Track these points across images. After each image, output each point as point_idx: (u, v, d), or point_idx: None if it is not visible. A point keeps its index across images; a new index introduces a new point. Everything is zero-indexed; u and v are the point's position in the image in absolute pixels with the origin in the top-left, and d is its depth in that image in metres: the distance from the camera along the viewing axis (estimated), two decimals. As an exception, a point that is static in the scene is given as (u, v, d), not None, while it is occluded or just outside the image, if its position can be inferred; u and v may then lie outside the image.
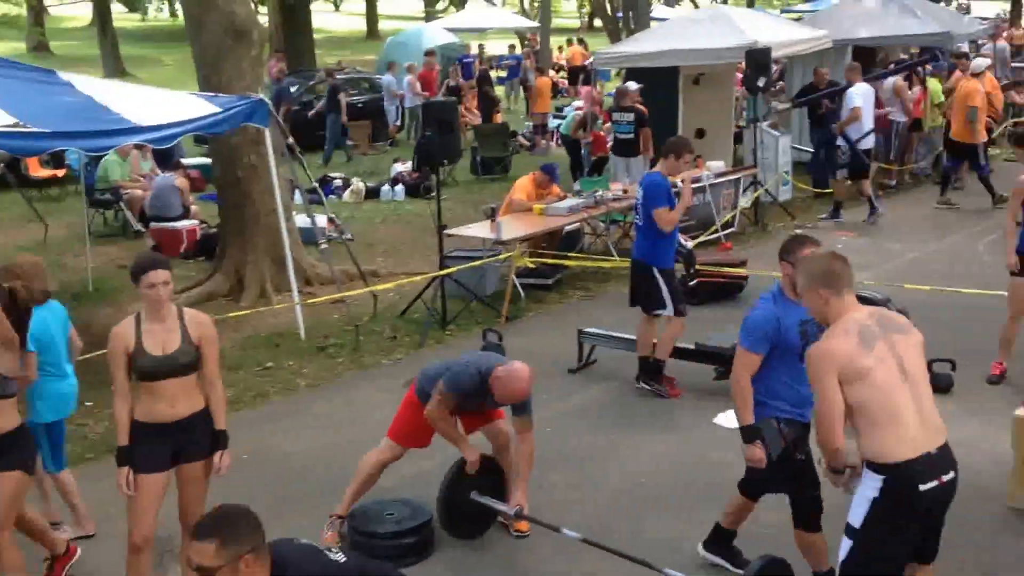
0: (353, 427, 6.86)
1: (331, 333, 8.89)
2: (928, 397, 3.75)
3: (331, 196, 14.43)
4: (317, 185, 10.62)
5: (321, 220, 10.40)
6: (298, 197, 10.66)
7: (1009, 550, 5.12)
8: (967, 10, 36.36)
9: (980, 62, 13.57)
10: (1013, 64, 20.25)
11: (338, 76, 19.63)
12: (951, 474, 3.72)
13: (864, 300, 6.61)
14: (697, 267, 8.84)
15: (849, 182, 12.47)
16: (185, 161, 14.68)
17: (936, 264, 10.28)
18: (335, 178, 15.52)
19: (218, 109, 8.37)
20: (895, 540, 3.71)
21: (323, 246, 9.41)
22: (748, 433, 4.48)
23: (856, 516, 3.72)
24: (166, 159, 13.58)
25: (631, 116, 12.40)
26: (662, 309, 7.22)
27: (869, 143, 12.48)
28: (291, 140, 9.41)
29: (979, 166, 12.71)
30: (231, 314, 8.76)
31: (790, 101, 14.36)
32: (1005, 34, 23.38)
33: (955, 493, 3.78)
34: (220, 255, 10.36)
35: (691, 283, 8.88)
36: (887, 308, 6.55)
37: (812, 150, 13.51)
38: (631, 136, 12.42)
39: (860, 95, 12.35)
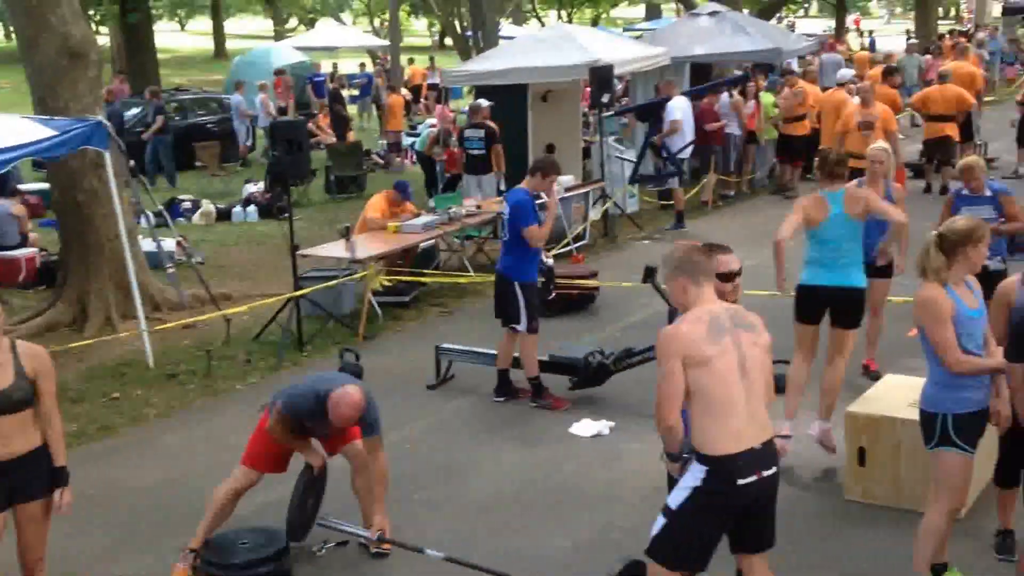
0: (207, 456, 6.70)
1: (181, 360, 8.64)
2: (761, 396, 3.96)
3: (180, 219, 14.04)
4: (163, 208, 10.36)
5: (169, 244, 10.13)
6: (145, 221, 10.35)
7: (848, 540, 5.40)
8: (793, 27, 38.42)
9: (845, 72, 14.40)
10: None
11: (165, 96, 19.13)
12: (772, 469, 3.93)
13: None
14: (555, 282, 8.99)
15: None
16: (23, 187, 14.04)
17: (763, 269, 10.73)
18: (183, 200, 15.11)
19: (54, 132, 8.07)
20: (707, 528, 3.93)
21: (170, 270, 9.16)
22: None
23: (675, 499, 3.93)
24: (2, 186, 12.93)
25: (482, 133, 12.57)
26: (517, 324, 7.36)
27: (686, 154, 13.21)
28: (132, 163, 9.15)
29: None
30: (74, 344, 8.43)
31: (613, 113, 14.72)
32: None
33: (777, 487, 3.99)
34: (62, 283, 9.94)
35: (549, 297, 9.05)
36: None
37: (634, 160, 13.81)
38: (482, 153, 12.59)
39: (679, 108, 12.95)
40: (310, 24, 46.04)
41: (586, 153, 15.03)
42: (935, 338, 4.46)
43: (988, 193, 7.16)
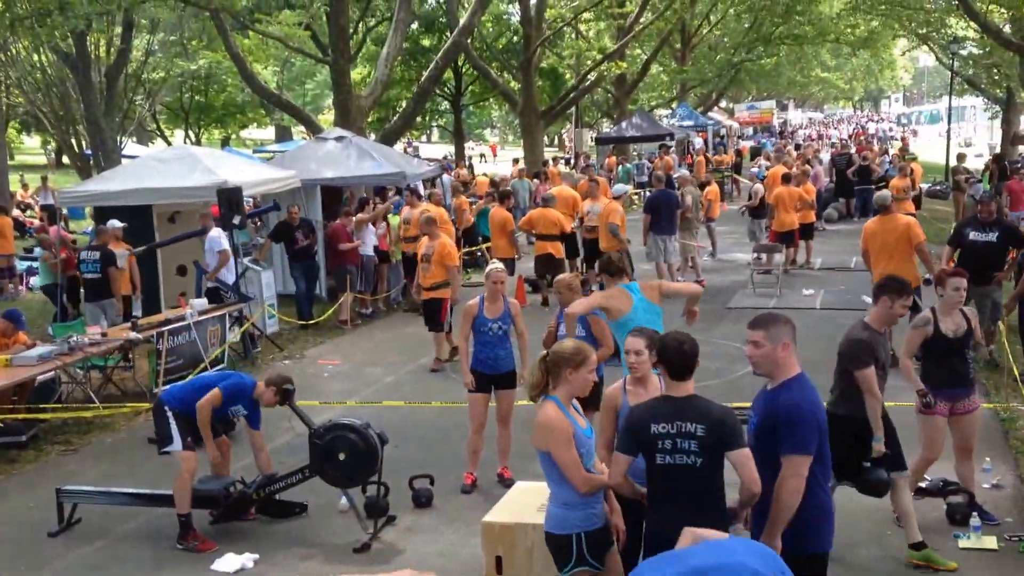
0: None
1: None
2: None
3: None
4: None
5: None
6: None
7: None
8: (416, 152, 40.66)
9: (620, 187, 15.55)
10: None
11: None
12: None
13: (341, 426, 7.00)
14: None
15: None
16: None
17: (410, 384, 11.12)
18: None
19: None
20: None
21: None
22: None
23: None
24: None
25: (96, 255, 11.94)
26: (169, 445, 7.05)
27: (233, 279, 12.66)
28: None
29: None
30: None
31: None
32: (454, 173, 26.49)
33: None
34: None
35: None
36: (365, 432, 6.98)
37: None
38: (98, 276, 11.97)
39: (223, 238, 12.48)
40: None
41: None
42: (562, 460, 4.57)
43: None
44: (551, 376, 4.69)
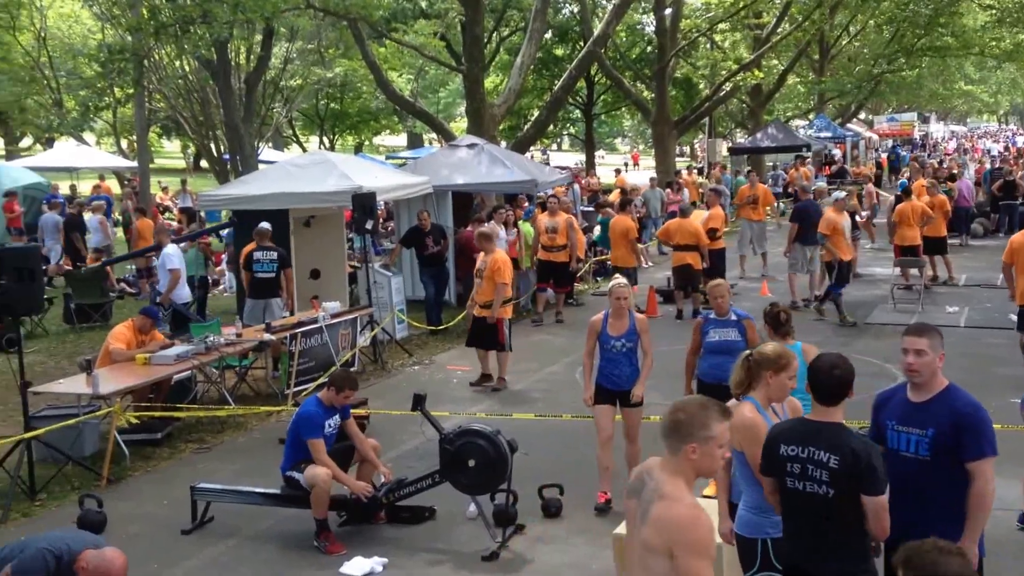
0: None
1: None
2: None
3: None
4: None
5: None
6: None
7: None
8: (547, 161, 40.58)
9: (838, 194, 15.66)
10: (583, 208, 22.60)
11: None
12: None
13: (472, 433, 6.85)
14: None
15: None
16: None
17: (538, 393, 10.89)
18: None
19: None
20: None
21: None
22: None
23: None
24: None
25: (274, 255, 12.01)
26: (301, 483, 7.02)
27: (187, 297, 12.48)
28: None
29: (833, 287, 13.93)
30: None
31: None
32: (583, 181, 26.23)
33: None
34: None
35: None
36: (495, 439, 6.79)
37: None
38: (272, 276, 12.01)
39: (176, 256, 12.26)
40: (48, 144, 43.33)
41: (353, 278, 14.85)
42: (757, 459, 4.36)
43: (733, 318, 7.37)
44: (752, 377, 4.64)
